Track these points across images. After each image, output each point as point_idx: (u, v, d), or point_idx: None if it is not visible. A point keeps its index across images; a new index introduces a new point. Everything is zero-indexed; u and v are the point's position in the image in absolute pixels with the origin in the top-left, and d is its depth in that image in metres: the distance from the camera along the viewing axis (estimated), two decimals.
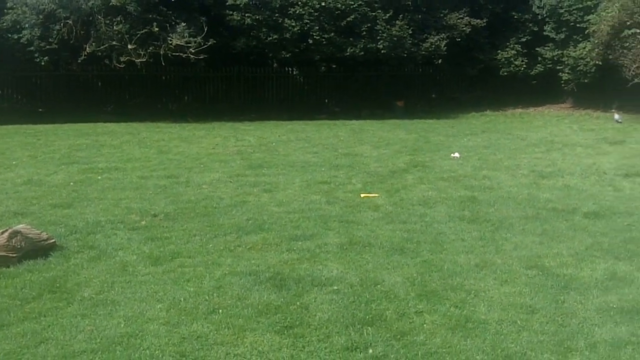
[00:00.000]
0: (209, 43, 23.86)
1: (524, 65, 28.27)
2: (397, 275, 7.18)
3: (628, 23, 24.13)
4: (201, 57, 24.15)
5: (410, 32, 26.16)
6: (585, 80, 26.55)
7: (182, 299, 6.50)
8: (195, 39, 23.85)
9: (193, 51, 23.88)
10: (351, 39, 25.99)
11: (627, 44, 24.28)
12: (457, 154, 16.03)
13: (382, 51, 26.06)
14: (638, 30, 23.89)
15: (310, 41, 25.67)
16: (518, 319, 6.01)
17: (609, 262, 7.70)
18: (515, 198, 11.17)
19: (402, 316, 6.07)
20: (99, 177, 12.95)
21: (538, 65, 28.14)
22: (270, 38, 25.40)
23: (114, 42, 23.79)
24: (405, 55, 26.72)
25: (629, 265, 7.56)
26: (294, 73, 29.98)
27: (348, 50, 26.02)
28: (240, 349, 5.43)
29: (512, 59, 28.28)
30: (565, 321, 5.98)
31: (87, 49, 24.06)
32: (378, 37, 25.86)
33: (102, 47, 24.05)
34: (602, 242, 8.53)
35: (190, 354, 5.34)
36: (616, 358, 5.27)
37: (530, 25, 28.49)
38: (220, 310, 6.20)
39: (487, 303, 6.40)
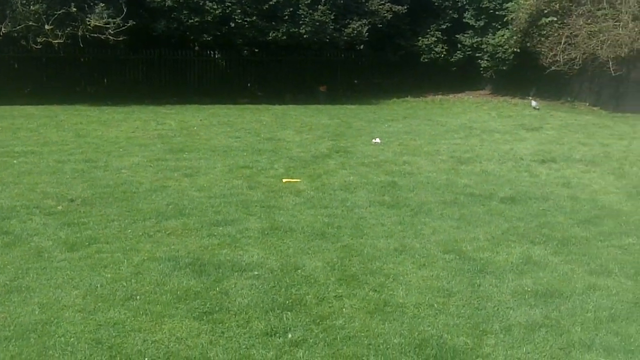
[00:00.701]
0: (129, 25, 23.33)
1: (444, 52, 28.70)
2: (318, 260, 7.21)
3: (545, 11, 24.76)
4: (120, 39, 23.59)
5: (333, 17, 26.20)
6: (504, 68, 27.14)
7: (98, 286, 6.36)
8: (115, 20, 23.27)
9: (112, 33, 23.30)
10: (274, 23, 25.86)
11: (545, 32, 24.91)
12: (378, 140, 16.17)
13: (305, 36, 26.02)
14: (555, 18, 24.54)
15: (232, 24, 25.41)
16: (435, 303, 6.12)
17: (524, 246, 7.91)
18: (435, 183, 11.36)
19: (322, 301, 6.10)
20: (15, 161, 12.54)
21: (458, 52, 28.61)
22: (192, 21, 25.03)
23: (30, 23, 22.96)
24: (327, 40, 26.76)
25: (543, 250, 7.79)
26: (216, 57, 29.64)
27: (270, 34, 25.88)
28: (158, 335, 5.36)
29: (432, 46, 28.66)
30: (481, 304, 6.12)
31: (3, 29, 23.16)
32: (300, 22, 25.81)
33: (18, 27, 23.19)
34: (518, 226, 8.76)
35: (106, 341, 5.24)
36: (530, 340, 5.41)
37: (451, 12, 28.91)
38: (138, 297, 6.11)
39: (405, 287, 6.49)
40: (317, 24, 25.77)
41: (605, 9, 23.56)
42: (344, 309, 5.91)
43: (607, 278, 6.84)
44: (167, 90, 27.54)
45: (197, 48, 29.26)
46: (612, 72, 23.18)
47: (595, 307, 6.06)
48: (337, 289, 6.38)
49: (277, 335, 5.37)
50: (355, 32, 26.79)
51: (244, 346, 5.18)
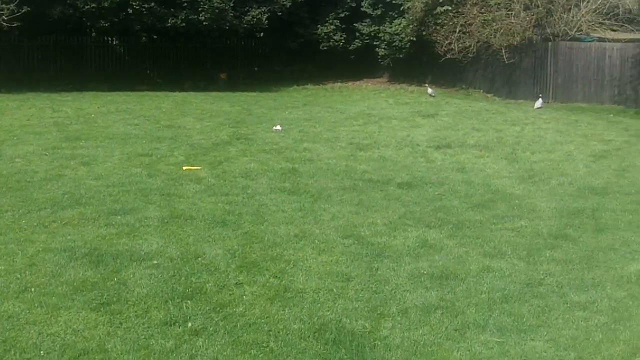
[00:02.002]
0: (23, 10, 22.48)
1: (343, 40, 28.95)
2: (218, 248, 7.18)
3: (440, 0, 25.31)
4: (15, 25, 22.69)
5: (232, 5, 26.03)
6: (401, 56, 27.61)
7: None
8: (8, 5, 22.38)
9: (6, 19, 22.40)
10: (172, 9, 25.47)
11: (440, 21, 25.49)
12: (279, 127, 16.19)
13: (204, 23, 25.75)
14: (450, 7, 25.13)
15: (130, 11, 24.87)
16: (334, 287, 6.20)
17: (420, 230, 8.10)
18: (334, 170, 11.48)
19: (222, 288, 6.08)
20: None
21: (356, 40, 28.91)
22: (88, 6, 24.35)
23: None
24: (227, 27, 26.57)
25: (439, 233, 8.00)
26: (114, 43, 28.92)
27: (169, 20, 25.48)
28: (54, 327, 5.21)
29: (331, 34, 28.86)
30: (379, 288, 6.24)
31: None
32: (199, 9, 25.51)
33: None
34: (415, 211, 8.97)
35: (0, 335, 5.06)
36: (426, 322, 5.54)
37: (349, 1, 29.17)
38: (33, 289, 5.93)
39: (305, 272, 6.55)
40: (217, 11, 25.54)
41: None
42: (244, 296, 5.92)
43: (500, 260, 7.09)
44: (64, 77, 26.68)
45: (94, 34, 28.47)
46: (505, 59, 23.98)
47: (489, 289, 6.26)
48: (238, 276, 6.37)
49: (177, 324, 5.32)
50: (255, 19, 26.71)
51: (142, 336, 5.11)
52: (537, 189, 10.40)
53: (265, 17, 26.81)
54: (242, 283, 6.22)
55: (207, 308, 5.64)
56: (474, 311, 5.75)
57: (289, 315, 5.55)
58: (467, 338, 5.26)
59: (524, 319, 5.61)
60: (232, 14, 26.14)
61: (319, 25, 28.98)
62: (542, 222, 8.56)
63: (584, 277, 6.60)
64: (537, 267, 6.89)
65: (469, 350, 5.05)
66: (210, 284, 6.16)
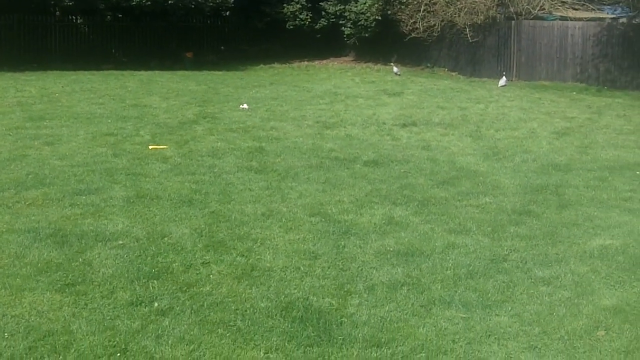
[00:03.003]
0: None
1: (309, 19, 28.86)
2: (185, 227, 7.15)
3: None
4: None
5: None
6: (366, 35, 27.60)
7: None
8: None
9: None
10: None
11: (405, 0, 25.49)
12: (245, 106, 16.13)
13: (170, 1, 25.48)
14: None
15: None
16: (301, 265, 6.21)
17: (386, 207, 8.15)
18: (301, 148, 11.47)
19: (189, 268, 6.07)
20: None
21: (322, 19, 28.84)
22: None
23: None
24: (193, 6, 26.34)
25: (404, 210, 8.05)
26: (79, 22, 28.48)
27: None
28: (18, 309, 5.16)
29: (297, 13, 28.75)
30: (346, 265, 6.27)
31: None
32: None
33: None
34: (381, 188, 9.01)
35: None
36: (392, 299, 5.59)
37: None
38: None
39: (273, 251, 6.56)
40: None
41: None
42: (211, 276, 5.91)
43: (465, 236, 7.16)
44: (27, 56, 26.18)
45: (58, 13, 27.98)
46: (469, 38, 24.10)
47: (454, 265, 6.33)
48: (205, 256, 6.36)
49: (143, 304, 5.29)
50: None
51: (108, 317, 5.08)
52: (501, 166, 10.52)
53: None
54: (209, 262, 6.21)
55: (174, 288, 5.62)
56: (439, 287, 5.81)
57: (256, 294, 5.56)
58: (433, 314, 5.32)
59: (489, 295, 5.68)
60: None
61: (285, 4, 28.85)
62: (506, 198, 8.66)
63: (548, 253, 6.70)
64: (501, 243, 6.97)
65: (434, 326, 5.10)
66: (176, 264, 6.14)
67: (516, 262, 6.43)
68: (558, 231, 7.37)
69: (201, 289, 5.63)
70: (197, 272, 5.99)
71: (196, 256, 6.34)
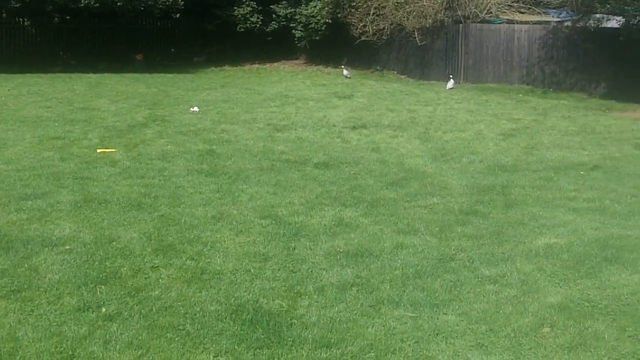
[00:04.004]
0: None
1: (260, 22, 28.81)
2: (134, 231, 7.10)
3: None
4: None
5: None
6: (317, 38, 27.66)
7: None
8: None
9: None
10: None
11: (355, 3, 25.63)
12: (196, 108, 16.04)
13: (118, 3, 25.17)
14: None
15: None
16: (252, 268, 6.22)
17: (336, 209, 8.20)
18: (252, 151, 11.47)
19: (138, 272, 6.02)
20: None
21: (273, 22, 28.81)
22: None
23: None
24: (142, 8, 26.06)
25: (354, 212, 8.12)
26: (26, 24, 27.96)
27: (82, 1, 24.76)
28: None
29: (248, 16, 28.67)
30: (296, 267, 6.30)
31: None
32: None
33: None
34: (331, 190, 9.06)
35: None
36: (342, 299, 5.63)
37: None
38: None
39: (223, 254, 6.55)
40: None
41: None
42: (160, 280, 5.88)
43: (414, 236, 7.25)
44: None
45: (4, 15, 27.43)
46: (418, 41, 24.33)
47: (403, 265, 6.40)
48: (154, 260, 6.32)
49: (91, 310, 5.24)
50: (171, 0, 26.29)
51: (54, 323, 5.02)
52: (448, 167, 10.66)
53: None
54: (158, 266, 6.18)
55: (122, 293, 5.58)
56: (388, 287, 5.87)
57: (205, 297, 5.55)
58: (382, 314, 5.38)
59: (437, 294, 5.76)
60: None
61: (235, 7, 28.75)
62: (453, 199, 8.79)
63: (494, 252, 6.82)
64: (449, 242, 7.07)
65: (383, 326, 5.16)
66: (125, 268, 6.09)
67: (463, 262, 6.53)
68: (504, 230, 7.51)
69: (150, 293, 5.60)
70: (146, 276, 5.95)
71: (145, 260, 6.30)
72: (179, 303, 5.42)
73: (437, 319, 5.31)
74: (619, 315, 5.38)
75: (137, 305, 5.36)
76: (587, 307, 5.54)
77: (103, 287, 5.67)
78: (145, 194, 8.55)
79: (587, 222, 7.82)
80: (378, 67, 26.83)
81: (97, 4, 24.94)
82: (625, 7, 17.88)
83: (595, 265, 6.45)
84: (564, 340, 4.98)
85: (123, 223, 7.39)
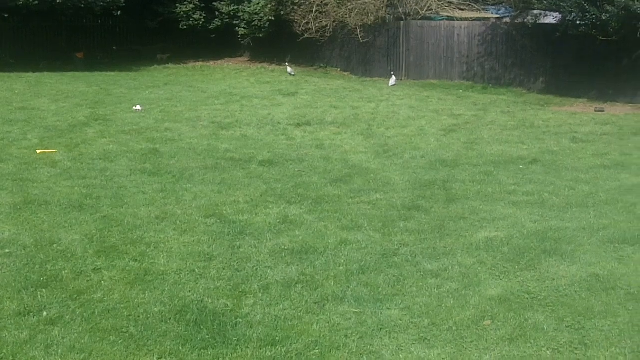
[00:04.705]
0: None
1: (203, 20, 28.64)
2: (75, 233, 7.01)
3: None
4: None
5: None
6: (261, 35, 27.61)
7: None
8: None
9: None
10: None
11: (297, 1, 25.67)
12: (139, 107, 15.88)
13: (58, 1, 24.71)
14: None
15: None
16: (196, 268, 6.20)
17: (281, 206, 8.23)
18: (196, 149, 11.42)
19: (80, 275, 5.95)
20: None
21: (216, 19, 28.66)
22: None
23: None
24: (83, 5, 25.66)
25: (299, 209, 8.15)
26: None
27: None
28: None
29: (190, 13, 28.48)
30: (241, 266, 6.30)
31: None
32: None
33: None
34: (276, 188, 9.08)
35: None
36: (287, 297, 5.66)
37: None
38: None
39: (167, 254, 6.52)
40: None
41: None
42: (102, 282, 5.82)
43: (358, 232, 7.32)
44: None
45: None
46: (360, 39, 24.49)
47: (347, 261, 6.46)
48: (96, 262, 6.26)
49: (31, 314, 5.17)
50: None
51: None
52: (391, 163, 10.78)
53: None
54: (100, 268, 6.11)
55: (64, 296, 5.51)
56: (332, 284, 5.93)
57: (149, 299, 5.51)
58: (326, 310, 5.42)
59: (380, 289, 5.84)
60: None
61: (178, 4, 28.55)
62: (396, 194, 8.89)
63: (436, 246, 6.93)
64: (392, 238, 7.16)
65: (327, 322, 5.21)
66: (66, 271, 6.01)
67: (406, 256, 6.62)
68: (446, 225, 7.63)
69: (92, 296, 5.54)
70: (88, 278, 5.89)
71: (87, 262, 6.23)
72: (122, 305, 5.38)
73: (381, 314, 5.38)
74: (558, 306, 5.52)
75: (79, 308, 5.31)
76: (527, 299, 5.67)
77: (44, 290, 5.59)
78: (87, 195, 8.45)
79: (527, 215, 8.00)
80: (322, 64, 26.92)
81: (37, 2, 24.46)
82: (562, 4, 18.24)
83: (535, 257, 6.60)
84: (505, 332, 5.09)
85: (64, 225, 7.29)
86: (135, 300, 5.48)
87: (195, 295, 5.62)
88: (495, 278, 6.13)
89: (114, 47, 30.26)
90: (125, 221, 7.47)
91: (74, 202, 8.14)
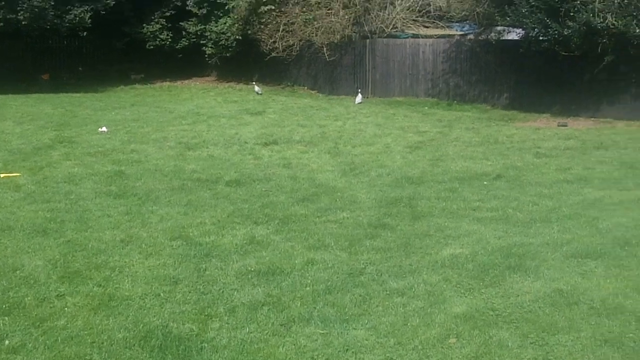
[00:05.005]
0: None
1: (170, 39, 28.67)
2: (39, 259, 6.93)
3: (264, 0, 25.58)
4: None
5: (53, 4, 24.99)
6: (228, 54, 27.65)
7: None
8: None
9: None
10: None
11: (264, 20, 25.76)
12: (105, 128, 15.78)
13: (23, 22, 24.54)
14: (273, 7, 25.45)
15: None
16: (161, 292, 6.16)
17: (248, 227, 8.22)
18: (163, 170, 11.37)
19: (43, 301, 5.89)
20: None
21: (183, 39, 28.69)
22: None
23: None
24: (48, 27, 25.52)
25: (266, 229, 8.15)
26: None
27: None
28: None
29: (157, 33, 28.50)
30: (207, 288, 6.27)
31: None
32: (18, 8, 24.27)
33: None
34: (243, 208, 9.07)
35: None
36: (253, 319, 5.64)
37: (174, 0, 28.94)
38: None
39: (132, 278, 6.47)
40: (36, 10, 24.51)
41: None
42: (66, 308, 5.76)
43: (324, 252, 7.33)
44: None
45: None
46: (327, 57, 24.62)
47: (313, 281, 6.46)
48: (59, 288, 6.19)
49: None
50: (78, 18, 25.88)
51: None
52: (357, 181, 10.83)
53: (88, 15, 25.98)
54: (63, 294, 6.05)
55: (26, 323, 5.44)
56: (299, 305, 5.92)
57: (113, 325, 5.46)
58: (293, 332, 5.41)
59: (347, 309, 5.84)
60: (52, 13, 25.13)
61: (144, 24, 28.52)
62: (362, 212, 8.93)
63: (402, 264, 6.96)
64: (358, 256, 7.19)
65: (294, 345, 5.20)
66: (29, 298, 5.94)
67: (372, 275, 6.64)
68: (411, 242, 7.67)
69: (55, 323, 5.48)
70: (52, 305, 5.82)
71: (50, 289, 6.17)
72: (85, 332, 5.33)
73: (347, 334, 5.38)
74: (522, 322, 5.57)
75: (42, 335, 5.24)
76: (492, 315, 5.71)
77: (6, 318, 5.52)
78: (50, 219, 8.37)
79: (491, 231, 8.07)
80: (289, 83, 26.99)
81: (1, 23, 24.26)
82: (524, 20, 18.51)
83: (499, 273, 6.65)
84: (470, 350, 5.12)
85: (27, 250, 7.21)
86: (99, 327, 5.42)
87: (160, 320, 5.58)
88: (461, 295, 6.17)
89: (80, 68, 30.09)
90: (90, 245, 7.40)
91: (37, 226, 8.06)
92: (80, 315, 5.64)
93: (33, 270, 6.61)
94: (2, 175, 10.78)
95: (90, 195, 9.65)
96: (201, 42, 28.22)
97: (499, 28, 21.22)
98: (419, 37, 23.70)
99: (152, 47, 28.79)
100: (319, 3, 24.83)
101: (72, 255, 7.08)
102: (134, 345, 5.13)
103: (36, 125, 16.47)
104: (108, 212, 8.79)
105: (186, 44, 28.69)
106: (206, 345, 5.17)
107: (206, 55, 28.25)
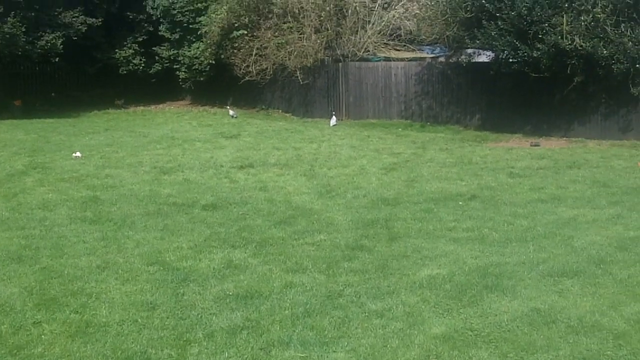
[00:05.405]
0: None
1: (143, 64, 28.74)
2: (14, 286, 6.86)
3: (236, 24, 25.71)
4: None
5: (24, 30, 24.94)
6: (201, 79, 27.72)
7: None
8: None
9: None
10: None
11: (237, 44, 25.86)
12: (78, 154, 15.69)
13: None
14: (246, 31, 25.59)
15: None
16: (139, 318, 6.12)
17: (225, 251, 8.20)
18: (138, 195, 11.32)
19: (19, 329, 5.82)
20: None
21: (156, 64, 28.75)
22: None
23: None
24: (20, 53, 25.44)
25: (243, 253, 8.14)
26: None
27: None
28: None
29: (130, 58, 28.57)
30: (185, 314, 6.24)
31: None
32: None
33: None
34: (220, 232, 9.05)
35: None
36: (232, 344, 5.61)
37: (146, 25, 29.03)
38: None
39: (109, 305, 6.42)
40: (7, 36, 24.45)
41: (290, 22, 25.07)
42: (43, 336, 5.70)
43: (302, 275, 7.33)
44: None
45: None
46: (300, 80, 24.77)
47: (292, 304, 6.45)
48: (36, 315, 6.13)
49: None
50: (49, 44, 25.86)
51: None
52: (334, 203, 10.85)
53: (60, 41, 25.96)
54: (40, 322, 5.99)
55: (3, 352, 5.38)
56: (278, 328, 5.91)
57: (91, 352, 5.42)
58: (272, 356, 5.40)
59: (326, 332, 5.84)
60: (24, 39, 25.08)
61: (117, 50, 28.56)
62: (339, 234, 8.95)
63: (380, 285, 6.98)
64: (336, 279, 7.19)
65: None
66: (5, 326, 5.87)
67: (351, 297, 6.65)
68: (389, 264, 7.69)
69: (32, 350, 5.42)
70: (28, 333, 5.76)
71: (26, 316, 6.10)
72: (63, 359, 5.27)
73: (327, 357, 5.38)
74: (501, 342, 5.60)
75: None
76: (471, 335, 5.74)
77: None
78: (25, 246, 8.30)
79: (467, 252, 8.12)
80: (263, 106, 27.07)
81: None
82: (494, 42, 18.75)
83: (477, 293, 6.69)
84: None
85: (2, 278, 7.14)
86: (77, 354, 5.37)
87: (138, 346, 5.54)
88: (439, 316, 6.19)
89: (53, 94, 29.95)
90: (66, 272, 7.34)
91: (12, 253, 7.99)
92: (57, 342, 5.58)
93: (8, 297, 6.54)
94: None
95: (65, 221, 9.58)
96: (174, 66, 28.30)
97: (469, 51, 21.48)
98: (390, 60, 23.91)
99: (125, 72, 28.82)
100: (291, 28, 24.99)
101: (48, 282, 7.01)
102: None
103: (9, 152, 16.35)
104: (84, 238, 8.72)
105: (159, 68, 28.76)
106: None
107: (180, 80, 28.31)
